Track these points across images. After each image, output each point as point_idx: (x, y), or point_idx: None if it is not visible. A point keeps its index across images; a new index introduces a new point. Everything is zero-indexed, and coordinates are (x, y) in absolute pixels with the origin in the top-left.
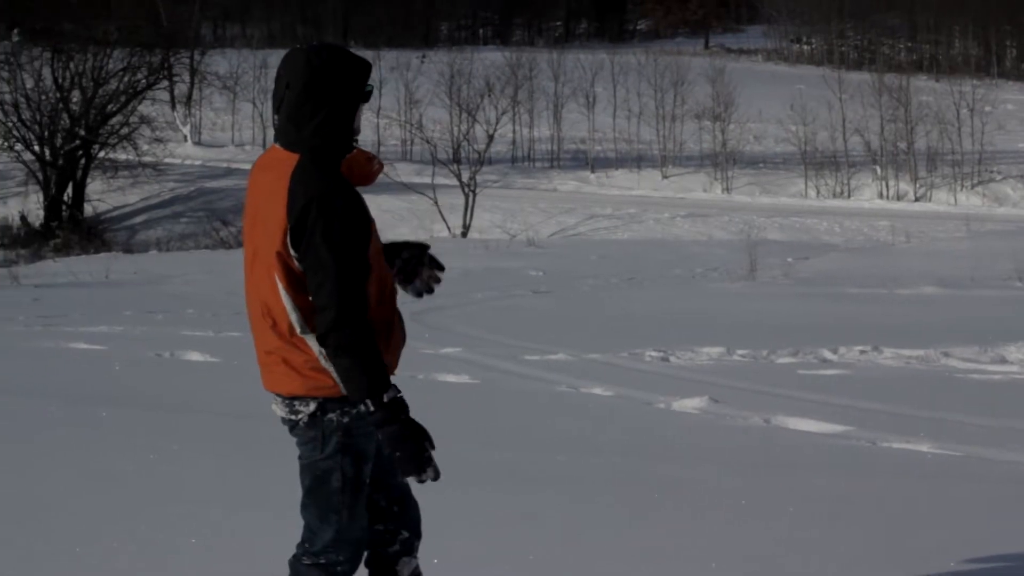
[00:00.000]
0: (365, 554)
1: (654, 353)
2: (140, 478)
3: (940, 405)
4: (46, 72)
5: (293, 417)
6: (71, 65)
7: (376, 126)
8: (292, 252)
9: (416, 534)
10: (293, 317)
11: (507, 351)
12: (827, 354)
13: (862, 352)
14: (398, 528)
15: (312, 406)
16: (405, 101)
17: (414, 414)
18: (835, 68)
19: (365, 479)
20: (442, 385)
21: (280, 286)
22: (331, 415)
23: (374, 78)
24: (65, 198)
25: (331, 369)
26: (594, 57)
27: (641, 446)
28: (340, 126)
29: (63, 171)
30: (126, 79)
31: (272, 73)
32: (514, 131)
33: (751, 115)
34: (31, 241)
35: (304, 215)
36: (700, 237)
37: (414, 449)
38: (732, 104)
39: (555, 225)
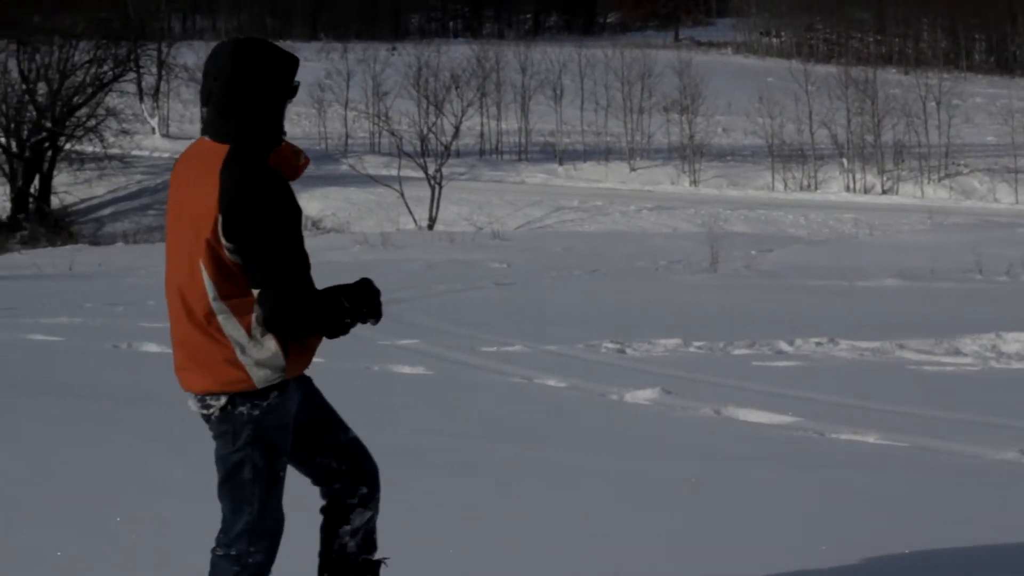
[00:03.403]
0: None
1: (610, 345)
2: (84, 469)
3: (890, 397)
4: (12, 64)
5: (205, 412)
6: (37, 57)
7: (344, 118)
8: (224, 242)
9: (373, 486)
10: (215, 306)
11: (464, 343)
12: (783, 346)
13: (818, 344)
14: (355, 484)
15: (223, 400)
16: (373, 93)
17: (361, 404)
18: (804, 61)
19: (278, 472)
20: (396, 376)
21: (204, 273)
22: (242, 408)
23: (341, 70)
24: (32, 190)
25: (246, 363)
26: (562, 50)
27: (590, 437)
28: (266, 120)
29: (29, 163)
30: (92, 71)
31: None
32: (482, 124)
33: (719, 108)
34: None
35: (238, 207)
36: (665, 229)
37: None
38: (700, 97)
39: (522, 218)
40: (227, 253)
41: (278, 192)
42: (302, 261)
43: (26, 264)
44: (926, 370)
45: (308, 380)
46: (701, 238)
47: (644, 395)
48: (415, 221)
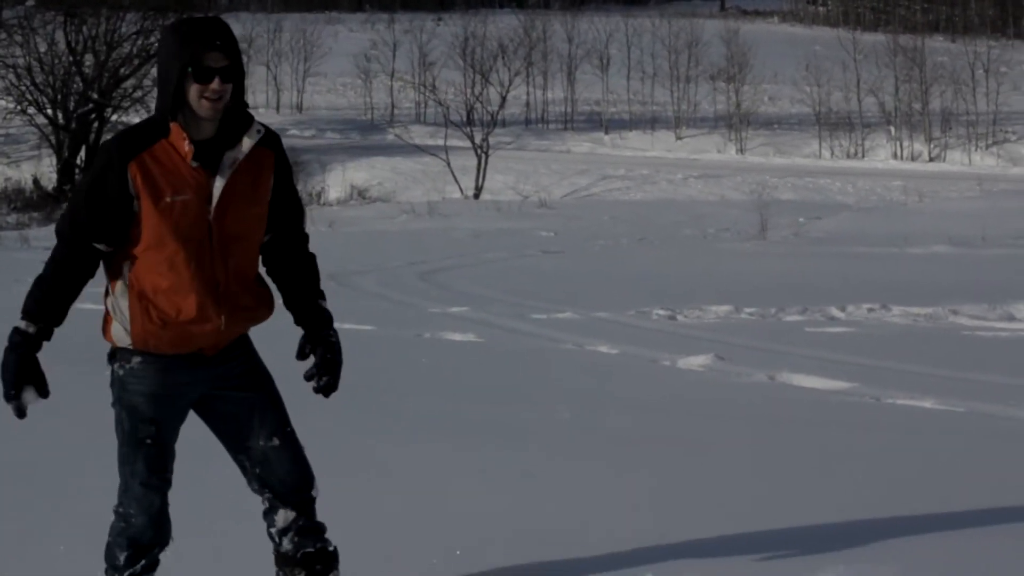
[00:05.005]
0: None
1: (661, 312)
2: None
3: (946, 362)
4: (59, 36)
5: None
6: (84, 29)
7: (390, 88)
8: None
9: (283, 494)
10: None
11: (514, 310)
12: (835, 312)
13: (870, 310)
14: (263, 487)
15: (108, 350)
16: (419, 64)
17: (414, 370)
18: (851, 29)
19: (143, 439)
20: (447, 343)
21: None
22: (114, 365)
23: (388, 40)
24: (78, 161)
25: (113, 314)
26: (608, 19)
27: (644, 403)
28: (162, 98)
29: (76, 134)
30: (139, 42)
31: (286, 36)
32: (528, 93)
33: (766, 77)
34: (44, 204)
35: None
36: (712, 198)
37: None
38: (747, 66)
39: (568, 186)
40: None
41: (100, 157)
42: (67, 230)
43: None
44: (980, 335)
45: (245, 375)
46: (749, 206)
47: (697, 361)
48: (461, 190)
